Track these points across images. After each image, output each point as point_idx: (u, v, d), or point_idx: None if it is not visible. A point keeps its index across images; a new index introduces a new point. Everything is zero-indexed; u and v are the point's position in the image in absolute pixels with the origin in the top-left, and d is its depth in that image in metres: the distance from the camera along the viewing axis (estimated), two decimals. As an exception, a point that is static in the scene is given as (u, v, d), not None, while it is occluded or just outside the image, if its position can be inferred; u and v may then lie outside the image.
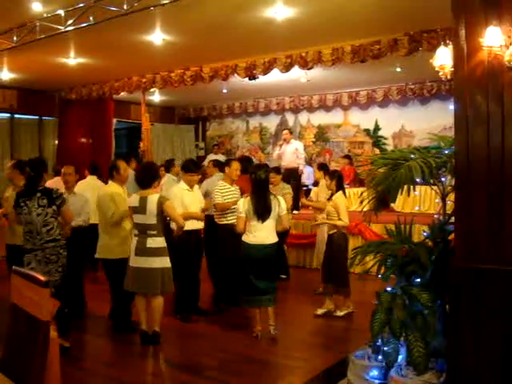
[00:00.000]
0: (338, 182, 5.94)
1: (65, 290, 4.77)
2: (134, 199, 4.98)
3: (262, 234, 5.01)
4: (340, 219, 5.74)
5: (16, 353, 2.52)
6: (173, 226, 5.40)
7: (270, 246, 5.07)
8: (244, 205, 5.03)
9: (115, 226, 5.23)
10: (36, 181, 4.81)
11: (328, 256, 5.87)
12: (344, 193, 6.00)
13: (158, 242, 4.89)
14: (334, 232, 5.82)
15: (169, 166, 8.55)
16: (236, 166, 6.07)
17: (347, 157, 11.53)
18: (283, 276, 7.66)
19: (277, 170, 7.49)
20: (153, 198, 4.90)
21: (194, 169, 5.87)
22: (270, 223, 5.04)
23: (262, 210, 4.99)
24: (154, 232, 4.88)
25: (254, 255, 5.01)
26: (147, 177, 5.05)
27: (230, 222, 5.99)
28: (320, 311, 5.88)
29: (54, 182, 7.22)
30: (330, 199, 5.98)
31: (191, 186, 5.80)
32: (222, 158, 10.81)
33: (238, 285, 5.56)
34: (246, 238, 5.06)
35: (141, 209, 4.88)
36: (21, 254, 4.76)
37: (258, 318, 5.11)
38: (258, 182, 5.06)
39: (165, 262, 4.91)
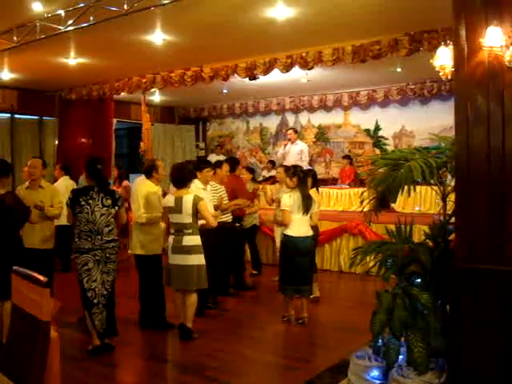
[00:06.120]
0: (313, 179, 6.39)
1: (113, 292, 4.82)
2: (169, 199, 5.10)
3: (303, 227, 5.43)
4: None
5: (16, 353, 2.52)
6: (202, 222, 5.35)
7: (311, 238, 5.53)
8: (290, 200, 5.35)
9: (146, 224, 5.30)
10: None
11: None
12: (317, 190, 6.51)
13: (194, 240, 5.02)
14: None
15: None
16: (226, 168, 6.54)
17: (347, 157, 11.56)
18: (254, 272, 7.76)
19: (249, 169, 7.89)
20: (188, 198, 5.02)
21: (207, 165, 6.10)
22: (308, 217, 5.47)
23: (307, 204, 5.39)
24: (190, 231, 5.01)
25: (300, 247, 5.39)
26: (183, 177, 5.16)
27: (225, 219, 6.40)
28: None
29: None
30: None
31: (206, 184, 5.96)
32: (222, 158, 10.81)
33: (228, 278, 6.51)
34: (289, 232, 5.41)
35: (177, 208, 5.00)
36: None
37: (290, 304, 5.51)
38: (301, 178, 5.47)
39: (200, 259, 5.03)
